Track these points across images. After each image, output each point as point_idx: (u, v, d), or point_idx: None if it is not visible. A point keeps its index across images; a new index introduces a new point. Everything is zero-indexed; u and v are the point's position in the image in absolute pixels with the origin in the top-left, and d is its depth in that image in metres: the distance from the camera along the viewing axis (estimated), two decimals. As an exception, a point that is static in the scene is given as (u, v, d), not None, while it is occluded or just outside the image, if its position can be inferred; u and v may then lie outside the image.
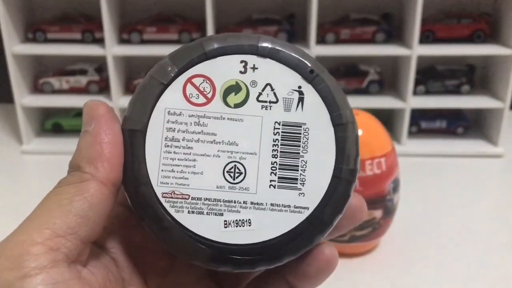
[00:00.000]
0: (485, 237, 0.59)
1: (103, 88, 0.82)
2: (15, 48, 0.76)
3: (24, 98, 0.79)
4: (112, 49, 0.76)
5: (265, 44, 0.22)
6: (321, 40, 0.78)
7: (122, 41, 0.81)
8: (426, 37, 0.78)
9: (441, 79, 0.81)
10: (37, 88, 0.82)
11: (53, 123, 0.83)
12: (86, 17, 0.82)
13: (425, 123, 0.83)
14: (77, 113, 0.82)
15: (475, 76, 0.83)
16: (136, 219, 0.22)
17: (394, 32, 0.81)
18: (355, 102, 0.80)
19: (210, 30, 0.75)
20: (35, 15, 0.83)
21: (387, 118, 0.86)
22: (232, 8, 0.83)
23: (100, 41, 0.78)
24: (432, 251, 0.56)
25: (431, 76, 0.81)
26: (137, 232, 0.22)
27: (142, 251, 0.24)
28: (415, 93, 0.79)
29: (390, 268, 0.53)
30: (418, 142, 0.83)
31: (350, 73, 0.82)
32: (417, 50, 0.74)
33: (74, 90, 0.82)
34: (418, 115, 0.83)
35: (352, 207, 0.22)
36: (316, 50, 0.75)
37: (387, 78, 0.84)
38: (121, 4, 0.82)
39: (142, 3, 0.84)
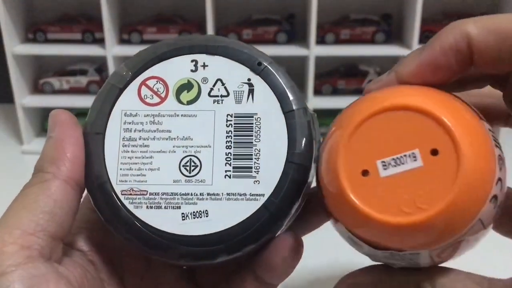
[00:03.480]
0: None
1: (103, 88, 0.82)
2: (16, 48, 0.76)
3: (25, 98, 0.79)
4: (113, 50, 0.76)
5: (213, 43, 0.23)
6: (321, 41, 0.78)
7: (123, 41, 0.81)
8: (426, 37, 0.78)
9: (441, 79, 0.81)
10: (37, 88, 0.83)
11: (53, 123, 0.84)
12: (86, 17, 0.82)
13: (425, 123, 0.83)
14: (78, 113, 0.81)
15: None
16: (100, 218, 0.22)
17: (394, 32, 0.81)
18: (355, 102, 0.80)
19: (210, 30, 0.75)
20: (35, 16, 0.83)
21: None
22: (232, 8, 0.83)
23: (100, 41, 0.78)
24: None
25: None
26: (112, 236, 0.23)
27: (118, 253, 0.24)
28: (415, 93, 0.79)
29: None
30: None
31: (350, 73, 0.82)
32: (417, 50, 0.74)
33: (75, 90, 0.82)
34: (418, 115, 0.83)
35: None
36: (316, 50, 0.75)
37: (387, 78, 0.84)
38: (121, 5, 0.82)
39: (142, 4, 0.84)
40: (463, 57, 0.19)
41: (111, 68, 0.76)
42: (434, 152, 0.17)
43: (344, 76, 0.82)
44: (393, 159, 0.17)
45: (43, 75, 0.84)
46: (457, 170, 0.16)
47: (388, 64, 0.84)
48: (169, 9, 0.84)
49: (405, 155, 0.17)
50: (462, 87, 0.23)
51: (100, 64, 0.83)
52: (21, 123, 0.78)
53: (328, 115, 0.84)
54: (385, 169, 0.17)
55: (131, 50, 0.78)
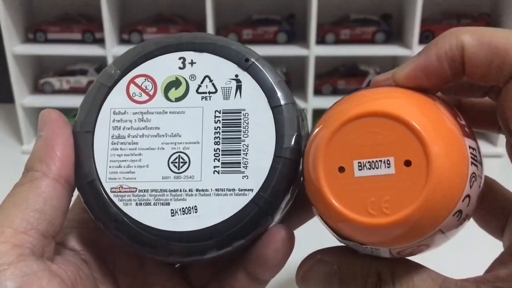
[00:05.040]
0: (482, 237, 0.59)
1: (104, 88, 0.82)
2: (16, 48, 0.76)
3: (25, 98, 0.79)
4: (113, 50, 0.76)
5: (201, 40, 0.23)
6: (321, 41, 0.78)
7: (123, 41, 0.81)
8: (426, 37, 0.78)
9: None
10: (37, 88, 0.83)
11: (53, 123, 0.84)
12: (86, 17, 0.82)
13: (425, 123, 0.83)
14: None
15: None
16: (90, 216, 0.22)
17: (394, 32, 0.81)
18: (355, 102, 0.80)
19: (210, 30, 0.75)
20: (35, 16, 0.84)
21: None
22: (232, 8, 0.83)
23: (100, 42, 0.78)
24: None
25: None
26: (105, 235, 0.23)
27: (111, 252, 0.24)
28: (415, 93, 0.79)
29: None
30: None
31: (350, 73, 0.82)
32: (417, 50, 0.74)
33: (75, 90, 0.82)
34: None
35: None
36: (316, 50, 0.75)
37: (387, 78, 0.84)
38: (121, 5, 0.82)
39: (143, 4, 0.84)
40: (456, 65, 0.19)
41: (111, 68, 0.76)
42: (407, 163, 0.18)
43: (344, 76, 0.82)
44: (369, 162, 0.18)
45: (43, 75, 0.84)
46: (425, 184, 0.17)
47: (388, 64, 0.84)
48: (169, 9, 0.84)
49: (380, 160, 0.18)
50: (458, 94, 0.23)
51: (100, 64, 0.83)
52: (21, 123, 0.79)
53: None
54: (360, 169, 0.18)
55: (131, 50, 0.78)
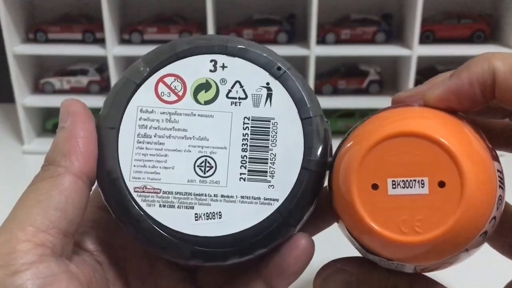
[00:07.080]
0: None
1: (104, 88, 0.82)
2: (16, 48, 0.76)
3: (25, 98, 0.79)
4: (113, 49, 0.76)
5: (233, 44, 0.23)
6: (321, 41, 0.78)
7: (123, 41, 0.81)
8: (426, 38, 0.78)
9: (441, 79, 0.81)
10: (38, 88, 0.83)
11: (54, 123, 0.84)
12: (87, 17, 0.82)
13: (425, 123, 0.83)
14: (78, 113, 0.82)
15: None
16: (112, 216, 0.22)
17: (394, 32, 0.81)
18: (355, 102, 0.80)
19: (210, 30, 0.75)
20: (36, 16, 0.84)
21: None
22: (232, 8, 0.83)
23: (101, 42, 0.78)
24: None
25: (431, 76, 0.81)
26: (118, 236, 0.22)
27: (124, 253, 0.24)
28: (415, 93, 0.79)
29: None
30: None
31: (350, 73, 0.82)
32: (417, 51, 0.74)
33: (75, 90, 0.82)
34: (418, 115, 0.83)
35: None
36: (316, 50, 0.75)
37: (387, 78, 0.84)
38: (122, 5, 0.82)
39: (143, 4, 0.84)
40: (487, 90, 0.20)
41: (112, 68, 0.76)
42: (441, 184, 0.18)
43: (344, 76, 0.82)
44: (403, 180, 0.19)
45: (43, 75, 0.84)
46: (458, 206, 0.18)
47: (388, 64, 0.84)
48: (170, 9, 0.84)
49: (414, 180, 0.18)
50: (478, 115, 0.24)
51: (100, 64, 0.83)
52: (22, 123, 0.79)
53: (328, 115, 0.84)
54: (394, 188, 0.19)
55: (132, 50, 0.78)
